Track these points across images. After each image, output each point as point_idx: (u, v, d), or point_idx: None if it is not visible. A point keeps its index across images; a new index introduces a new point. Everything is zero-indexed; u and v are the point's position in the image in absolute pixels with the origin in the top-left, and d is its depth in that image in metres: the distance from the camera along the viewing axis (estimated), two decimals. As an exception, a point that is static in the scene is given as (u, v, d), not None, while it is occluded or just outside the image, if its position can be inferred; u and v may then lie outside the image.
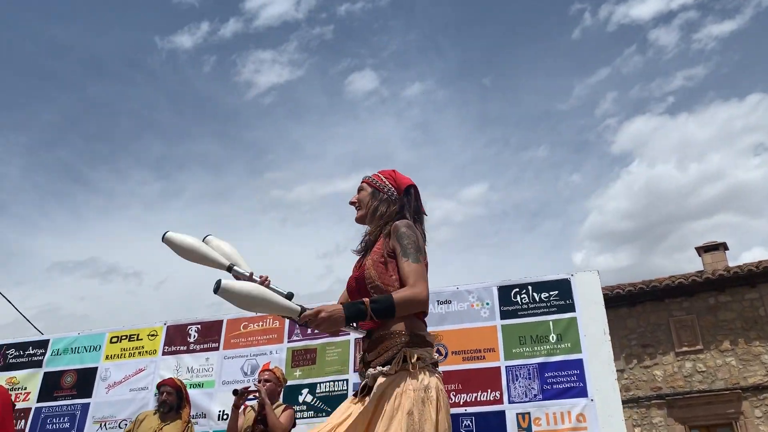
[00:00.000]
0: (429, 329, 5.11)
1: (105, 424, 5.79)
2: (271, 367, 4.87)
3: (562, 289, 5.26)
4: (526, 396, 4.98)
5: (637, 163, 34.16)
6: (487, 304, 5.44)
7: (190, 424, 4.88)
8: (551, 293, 5.26)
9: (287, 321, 5.82)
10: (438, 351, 5.34)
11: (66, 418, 5.92)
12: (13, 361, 6.38)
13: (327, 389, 5.41)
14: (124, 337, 6.20)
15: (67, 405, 5.98)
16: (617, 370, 5.45)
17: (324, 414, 5.21)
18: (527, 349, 5.15)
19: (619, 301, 13.38)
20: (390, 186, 2.47)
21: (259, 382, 4.69)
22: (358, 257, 2.47)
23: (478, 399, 5.08)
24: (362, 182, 2.55)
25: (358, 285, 2.33)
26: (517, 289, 5.42)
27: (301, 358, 5.58)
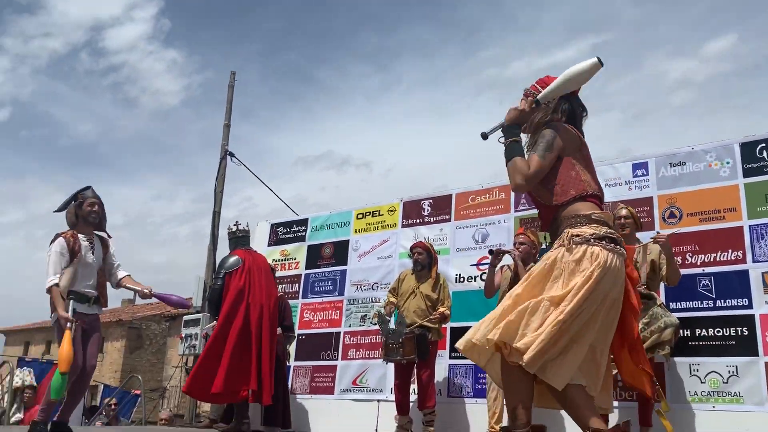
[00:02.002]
0: (663, 192, 5.08)
1: (360, 287, 6.74)
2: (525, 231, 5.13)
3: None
4: (773, 255, 4.71)
5: None
6: (728, 162, 5.10)
7: (442, 281, 5.50)
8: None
9: (513, 193, 6.05)
10: (672, 213, 5.22)
11: (329, 282, 6.99)
12: (283, 237, 7.59)
13: (556, 253, 5.62)
14: (368, 213, 7.00)
15: (329, 271, 7.04)
16: None
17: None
18: (775, 207, 4.80)
19: None
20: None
21: (515, 245, 5.02)
22: None
23: (717, 259, 4.92)
24: (523, 93, 2.73)
25: None
26: (764, 144, 4.99)
27: (529, 226, 5.82)
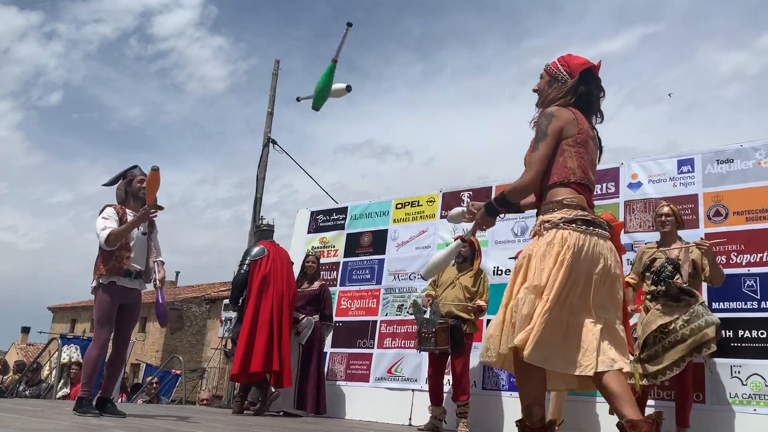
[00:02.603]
0: (708, 189, 5.00)
1: (398, 276, 6.78)
2: None
3: None
4: (823, 257, 4.57)
5: None
6: (778, 160, 4.96)
7: (483, 274, 5.52)
8: None
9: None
10: (717, 212, 5.11)
11: (367, 271, 7.06)
12: (323, 224, 7.69)
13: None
14: (407, 204, 7.03)
15: (367, 260, 7.11)
16: None
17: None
18: (827, 208, 4.66)
19: None
20: (564, 72, 2.65)
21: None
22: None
23: (764, 260, 4.80)
24: (543, 71, 2.73)
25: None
26: (817, 143, 4.83)
27: (569, 221, 5.77)
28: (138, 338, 23.32)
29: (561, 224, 2.43)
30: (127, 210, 4.50)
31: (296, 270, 6.54)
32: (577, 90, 2.62)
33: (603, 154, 2.81)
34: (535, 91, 2.77)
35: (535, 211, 2.69)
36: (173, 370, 12.28)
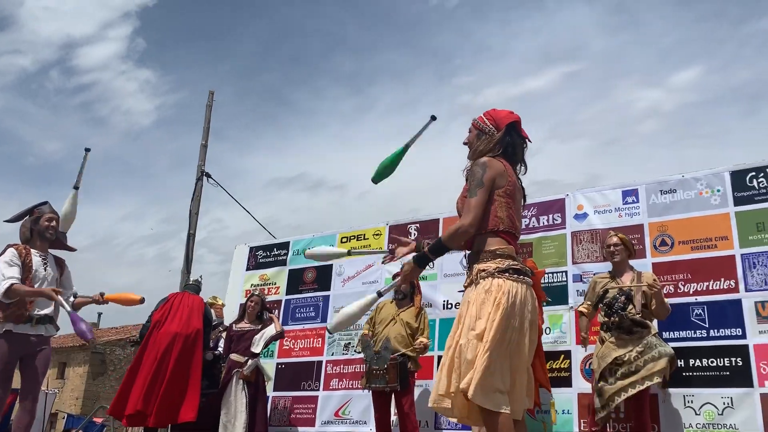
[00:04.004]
0: (653, 219, 5.08)
1: (344, 313, 6.54)
2: None
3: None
4: (766, 284, 4.68)
5: None
6: (718, 190, 5.09)
7: (423, 311, 5.35)
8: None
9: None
10: (663, 241, 5.18)
11: (311, 308, 6.78)
12: (263, 260, 7.37)
13: (546, 281, 5.53)
14: (352, 237, 6.84)
15: (311, 297, 6.84)
16: None
17: (544, 304, 5.35)
18: (766, 236, 4.79)
19: None
20: (490, 125, 2.82)
21: None
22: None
23: (710, 288, 4.87)
24: (471, 125, 2.91)
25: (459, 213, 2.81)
26: (754, 173, 4.99)
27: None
28: (56, 386, 21.83)
29: (496, 273, 2.57)
30: (32, 251, 4.10)
31: (232, 310, 6.27)
32: (503, 141, 2.78)
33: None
34: (465, 143, 2.93)
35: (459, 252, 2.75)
36: (95, 419, 11.46)
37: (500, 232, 2.67)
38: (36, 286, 4.01)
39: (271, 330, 6.01)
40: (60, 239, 4.34)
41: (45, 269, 4.10)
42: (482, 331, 2.49)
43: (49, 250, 4.30)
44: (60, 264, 4.29)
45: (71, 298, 4.26)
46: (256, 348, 5.89)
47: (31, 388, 4.06)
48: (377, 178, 3.20)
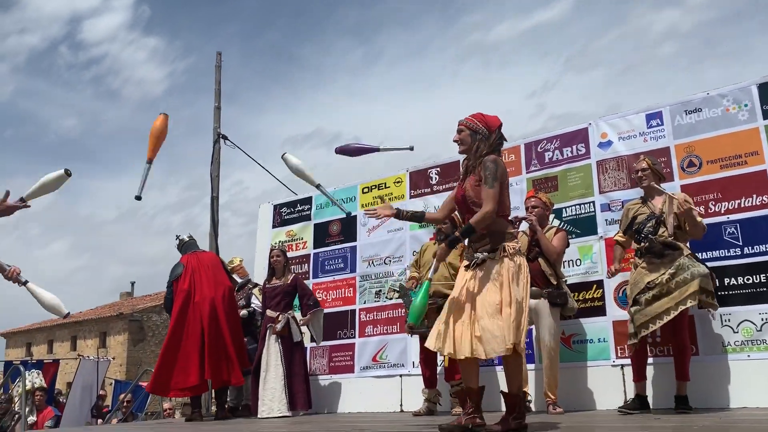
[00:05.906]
0: (679, 141, 5.07)
1: (372, 262, 6.59)
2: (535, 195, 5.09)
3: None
4: (800, 197, 4.58)
5: None
6: (746, 105, 4.94)
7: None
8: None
9: (523, 153, 5.93)
10: (691, 162, 5.07)
11: (339, 260, 6.83)
12: (288, 217, 7.41)
13: (573, 213, 5.49)
14: (373, 187, 6.82)
15: (338, 249, 6.88)
16: None
17: (573, 236, 5.32)
18: (799, 147, 4.66)
19: None
20: (482, 127, 3.41)
21: (527, 209, 4.93)
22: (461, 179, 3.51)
23: (742, 205, 4.79)
24: (460, 125, 3.46)
25: (463, 201, 3.40)
26: (783, 83, 4.83)
27: (541, 186, 5.67)
28: (101, 354, 22.52)
29: (520, 251, 3.31)
30: None
31: (262, 268, 6.32)
32: (499, 142, 3.43)
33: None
34: (455, 141, 3.47)
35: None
36: (142, 384, 11.83)
37: (506, 217, 3.36)
38: None
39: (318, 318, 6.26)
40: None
41: None
42: (522, 298, 3.18)
43: None
44: None
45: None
46: (318, 340, 6.29)
47: None
48: (412, 320, 3.61)
